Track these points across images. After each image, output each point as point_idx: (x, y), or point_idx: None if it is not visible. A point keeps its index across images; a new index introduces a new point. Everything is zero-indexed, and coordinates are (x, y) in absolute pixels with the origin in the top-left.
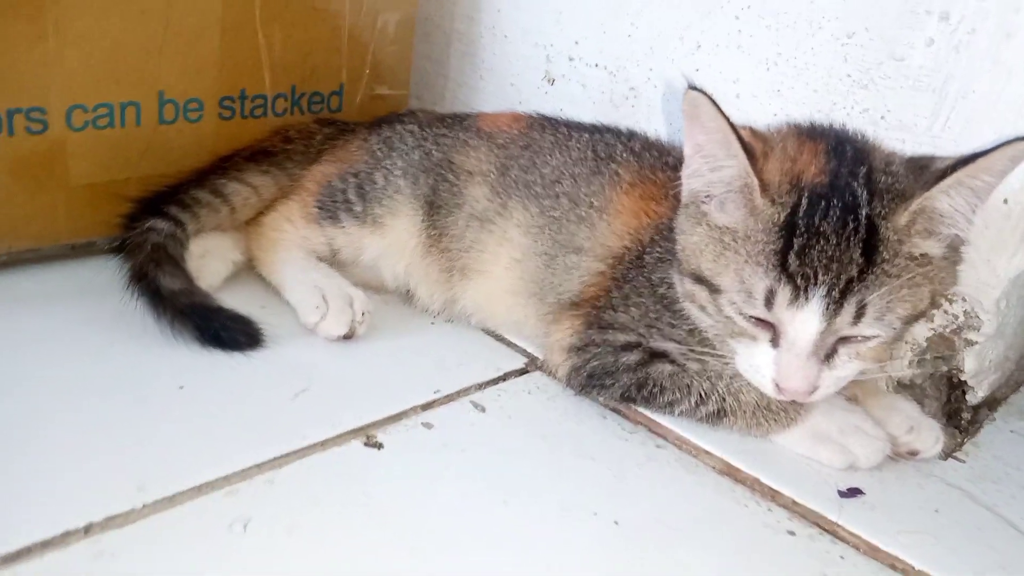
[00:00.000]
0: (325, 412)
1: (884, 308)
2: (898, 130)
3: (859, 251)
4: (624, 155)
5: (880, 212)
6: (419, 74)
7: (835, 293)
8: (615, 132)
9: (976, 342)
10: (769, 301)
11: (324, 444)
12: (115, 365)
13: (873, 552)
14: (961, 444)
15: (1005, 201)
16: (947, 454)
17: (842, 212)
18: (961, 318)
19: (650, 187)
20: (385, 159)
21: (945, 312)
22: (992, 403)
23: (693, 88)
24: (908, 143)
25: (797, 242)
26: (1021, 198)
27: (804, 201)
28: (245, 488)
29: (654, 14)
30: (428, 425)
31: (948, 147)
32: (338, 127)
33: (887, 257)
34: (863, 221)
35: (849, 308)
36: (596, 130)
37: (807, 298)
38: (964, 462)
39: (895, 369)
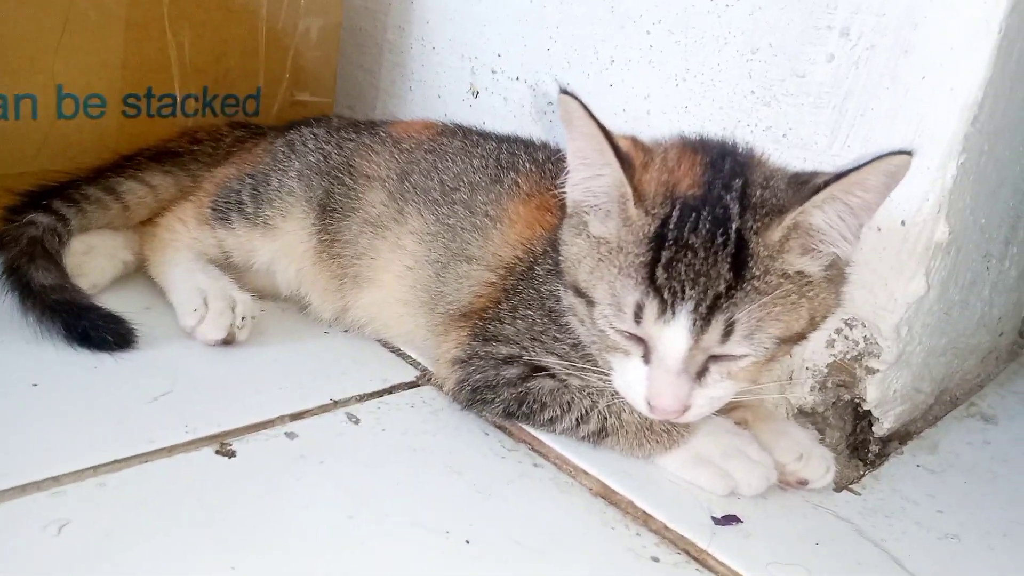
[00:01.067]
0: (182, 417)
1: (754, 326)
2: (799, 148)
3: (727, 266)
4: (526, 165)
5: (751, 227)
6: (352, 84)
7: (702, 309)
8: (525, 143)
9: (878, 370)
10: (638, 315)
11: (172, 450)
12: None
13: None
14: (861, 476)
15: (903, 223)
16: (842, 486)
17: (712, 225)
18: (861, 344)
19: (548, 198)
20: (284, 160)
21: (845, 338)
22: (903, 436)
23: (564, 92)
24: (809, 162)
25: (665, 254)
26: (918, 220)
27: (675, 213)
28: (73, 490)
29: (572, 27)
30: (291, 435)
31: (848, 166)
32: (250, 130)
33: (757, 274)
34: (732, 235)
35: (717, 325)
36: (506, 140)
37: (674, 313)
38: (859, 494)
39: (792, 394)
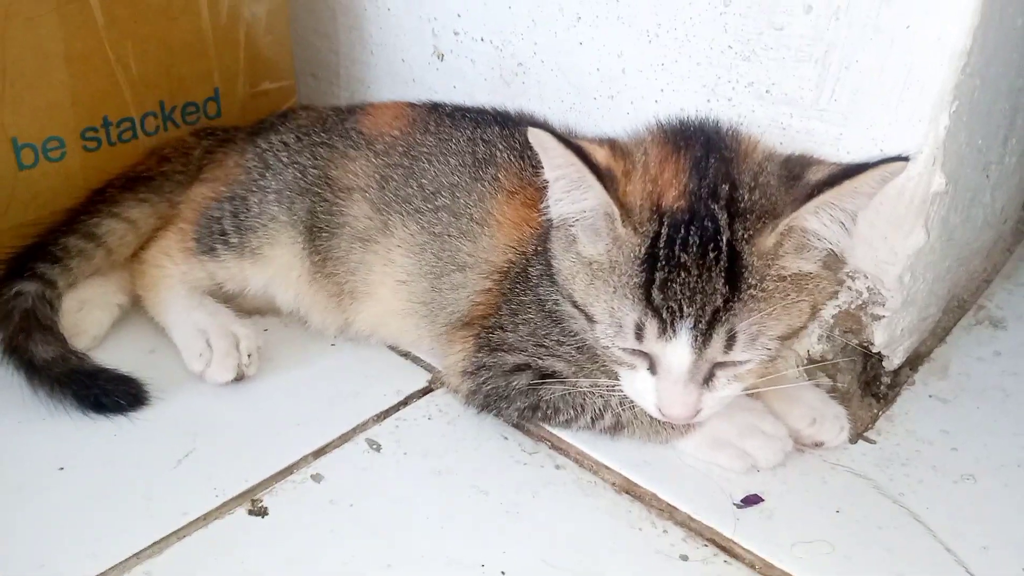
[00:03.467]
0: (209, 478)
1: (756, 333)
2: (784, 104)
3: (722, 281)
4: (505, 156)
5: (743, 236)
6: (311, 51)
7: (702, 325)
8: (500, 123)
9: (883, 316)
10: (639, 334)
11: (206, 518)
12: None
13: (767, 570)
14: (875, 418)
15: None
16: (857, 435)
17: (702, 240)
18: (865, 294)
19: (532, 192)
20: (259, 179)
21: (849, 289)
22: (914, 361)
23: (535, 127)
24: (795, 117)
25: (659, 276)
26: (913, 174)
27: (664, 231)
28: None
29: None
30: (318, 478)
31: (836, 120)
32: (218, 138)
33: (753, 283)
34: (724, 249)
35: (719, 338)
36: (480, 123)
37: (675, 331)
38: (875, 442)
39: (800, 345)
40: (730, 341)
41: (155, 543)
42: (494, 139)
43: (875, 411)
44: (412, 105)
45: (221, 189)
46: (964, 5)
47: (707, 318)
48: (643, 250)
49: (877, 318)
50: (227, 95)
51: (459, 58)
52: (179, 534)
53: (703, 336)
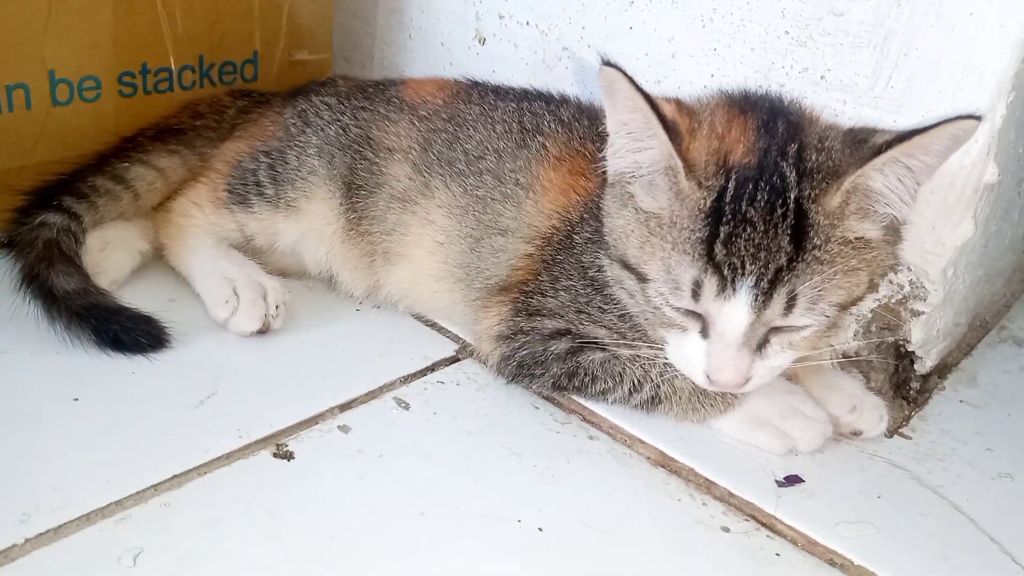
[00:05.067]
0: (232, 420)
1: (816, 297)
2: (839, 90)
3: (788, 238)
4: (552, 126)
5: (810, 195)
6: (346, 34)
7: (764, 284)
8: (545, 99)
9: (923, 312)
10: (696, 292)
11: (229, 457)
12: (5, 377)
13: (811, 547)
14: (908, 417)
15: None
16: (893, 431)
17: (770, 196)
18: (907, 288)
19: (580, 161)
20: (299, 135)
21: (890, 282)
22: (943, 370)
23: (607, 64)
24: (849, 104)
25: (723, 230)
26: (967, 162)
27: (731, 185)
28: (139, 513)
29: None
30: (345, 428)
31: (891, 108)
32: (253, 99)
33: (818, 243)
34: (791, 206)
35: (779, 299)
36: (525, 97)
37: (735, 289)
38: (910, 439)
39: (838, 342)
40: (790, 303)
41: (175, 476)
42: (540, 111)
43: (907, 412)
44: (455, 80)
45: (257, 144)
46: None
47: (769, 276)
48: (708, 204)
49: (916, 314)
50: (265, 59)
51: (501, 42)
52: (200, 470)
53: (764, 295)
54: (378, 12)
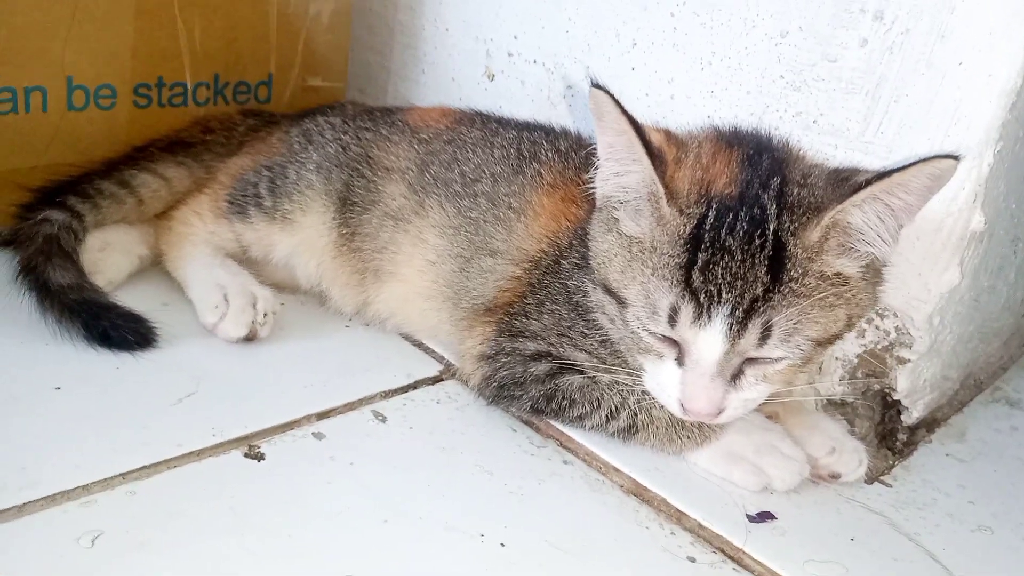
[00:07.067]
0: (208, 419)
1: (792, 329)
2: (830, 135)
3: (764, 269)
4: (548, 155)
5: (789, 227)
6: (362, 67)
7: (739, 313)
8: (545, 130)
9: (909, 360)
10: (672, 318)
11: (200, 454)
12: None
13: None
14: (891, 467)
15: None
16: (873, 477)
17: (749, 227)
18: (893, 334)
19: (572, 189)
20: (301, 152)
21: (876, 328)
22: (931, 424)
23: (595, 86)
24: (840, 148)
25: (702, 257)
26: (953, 209)
27: (711, 213)
28: (104, 499)
29: (592, 8)
30: (319, 435)
31: (881, 153)
32: (263, 118)
33: (796, 276)
34: (770, 237)
35: (754, 329)
36: (526, 128)
37: (710, 317)
38: (891, 486)
39: (821, 384)
40: (765, 334)
41: (145, 467)
42: (539, 140)
43: (891, 462)
44: (459, 109)
45: (261, 159)
46: (1019, 42)
47: (745, 306)
48: (688, 230)
49: (903, 361)
50: (279, 82)
51: (509, 79)
52: (170, 463)
53: (739, 324)
54: (394, 47)
